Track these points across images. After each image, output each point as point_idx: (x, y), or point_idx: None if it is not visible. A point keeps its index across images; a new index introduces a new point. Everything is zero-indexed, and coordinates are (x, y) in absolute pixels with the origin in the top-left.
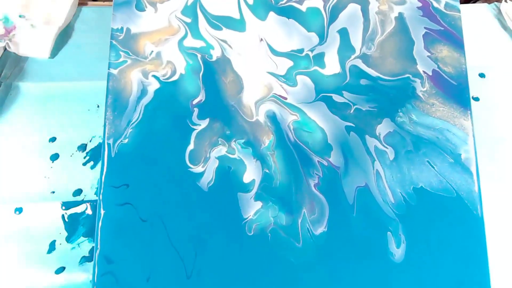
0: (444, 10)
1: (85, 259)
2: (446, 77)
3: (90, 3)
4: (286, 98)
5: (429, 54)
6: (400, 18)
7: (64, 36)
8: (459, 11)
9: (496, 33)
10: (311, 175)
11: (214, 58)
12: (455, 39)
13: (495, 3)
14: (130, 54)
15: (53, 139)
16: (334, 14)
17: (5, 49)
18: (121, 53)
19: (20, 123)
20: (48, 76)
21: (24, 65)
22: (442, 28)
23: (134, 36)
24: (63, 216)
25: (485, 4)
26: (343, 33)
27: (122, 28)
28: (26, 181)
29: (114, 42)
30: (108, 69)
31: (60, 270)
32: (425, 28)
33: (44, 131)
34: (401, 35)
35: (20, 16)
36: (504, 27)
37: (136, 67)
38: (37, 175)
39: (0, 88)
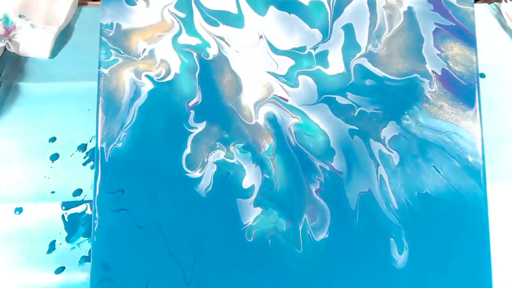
0: (457, 4)
1: (85, 259)
2: (456, 77)
3: (90, 3)
4: (287, 100)
5: (439, 52)
6: (409, 12)
7: (64, 36)
8: (472, 5)
9: (496, 33)
10: (312, 181)
11: (210, 57)
12: (467, 36)
13: (495, 3)
14: (122, 52)
15: (53, 139)
16: (338, 9)
17: (5, 49)
18: (112, 51)
19: (20, 123)
20: (48, 76)
21: (24, 65)
22: (454, 24)
23: (125, 32)
24: (63, 216)
25: (485, 4)
26: (348, 30)
27: (112, 23)
28: (26, 181)
29: (104, 39)
30: (99, 68)
31: (60, 270)
32: (435, 23)
33: (44, 131)
34: (409, 31)
35: (20, 16)
36: (504, 27)
37: (128, 66)
38: (37, 175)
39: (0, 88)
